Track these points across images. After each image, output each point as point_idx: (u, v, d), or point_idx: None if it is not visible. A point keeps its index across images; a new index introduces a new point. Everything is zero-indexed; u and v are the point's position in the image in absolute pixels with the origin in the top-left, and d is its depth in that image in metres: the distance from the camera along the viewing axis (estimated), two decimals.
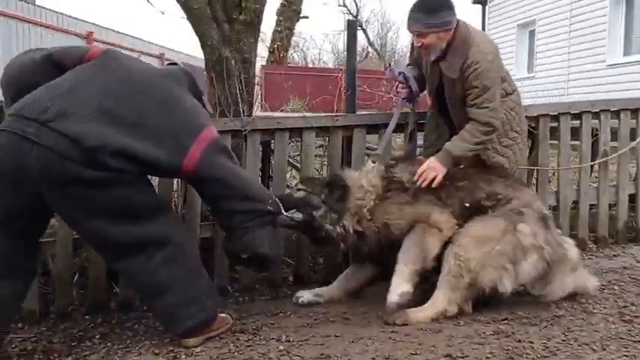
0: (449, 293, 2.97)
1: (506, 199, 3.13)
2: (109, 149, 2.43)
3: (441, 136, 3.57)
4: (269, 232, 2.82)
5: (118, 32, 14.82)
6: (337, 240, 3.14)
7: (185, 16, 3.79)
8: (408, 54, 3.90)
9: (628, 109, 4.43)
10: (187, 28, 3.84)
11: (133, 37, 15.39)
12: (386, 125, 3.79)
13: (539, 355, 2.55)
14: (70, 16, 13.19)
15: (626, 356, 2.55)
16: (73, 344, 2.87)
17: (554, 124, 4.22)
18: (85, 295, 3.33)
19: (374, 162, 3.35)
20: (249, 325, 2.98)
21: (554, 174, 4.52)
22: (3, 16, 10.94)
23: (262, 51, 17.91)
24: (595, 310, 3.10)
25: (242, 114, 3.63)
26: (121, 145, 2.46)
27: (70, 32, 12.81)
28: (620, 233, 4.45)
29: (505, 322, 2.94)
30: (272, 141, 3.74)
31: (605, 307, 3.14)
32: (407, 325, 2.88)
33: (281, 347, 2.68)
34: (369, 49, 30.07)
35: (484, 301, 3.09)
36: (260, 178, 3.79)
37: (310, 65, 27.02)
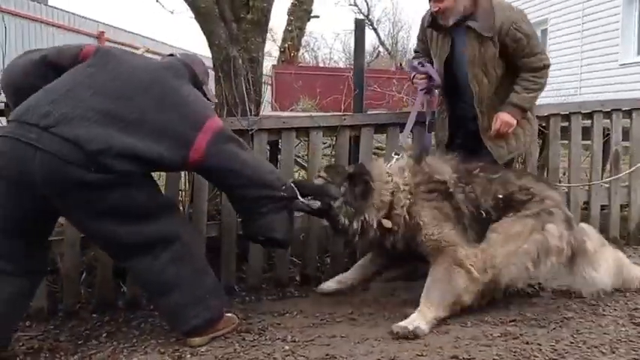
0: (470, 285, 2.91)
1: (540, 196, 3.07)
2: (113, 151, 2.43)
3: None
4: (282, 217, 2.84)
5: (129, 32, 14.88)
6: (353, 234, 3.03)
7: (193, 16, 3.79)
8: (414, 46, 3.89)
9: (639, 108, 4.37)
10: (197, 27, 3.85)
11: (144, 36, 15.44)
12: (394, 124, 3.79)
13: (547, 358, 2.51)
14: (82, 16, 13.27)
15: (635, 359, 2.51)
16: (79, 342, 2.88)
17: (565, 124, 4.18)
18: (93, 294, 3.34)
19: (397, 154, 3.26)
20: (255, 324, 2.98)
21: (564, 173, 4.48)
22: (17, 16, 11.02)
23: (273, 50, 17.97)
24: (605, 313, 3.06)
25: (249, 113, 3.63)
26: (124, 146, 2.45)
27: (82, 32, 12.89)
28: (632, 235, 4.39)
29: (513, 323, 2.91)
30: (280, 140, 3.73)
31: (615, 310, 3.10)
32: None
33: (286, 347, 2.67)
34: (380, 49, 30.01)
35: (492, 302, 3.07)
36: None
37: (321, 65, 27.03)
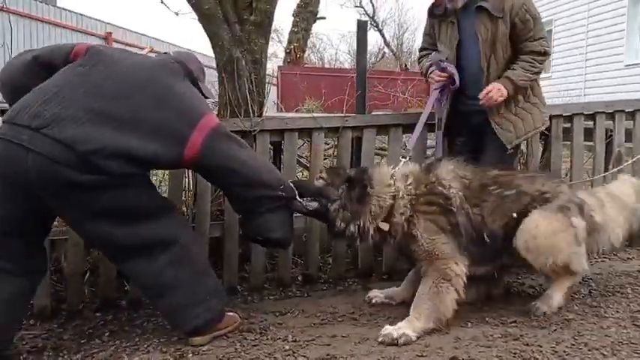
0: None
1: (554, 194, 3.06)
2: (107, 152, 2.42)
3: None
4: (281, 217, 2.84)
5: (136, 33, 14.94)
6: (350, 237, 3.01)
7: (196, 17, 3.81)
8: (421, 44, 3.89)
9: None
10: (201, 28, 3.87)
11: (150, 37, 15.50)
12: (396, 125, 3.80)
13: None
14: (90, 17, 13.34)
15: None
16: (82, 341, 2.91)
17: (568, 125, 4.17)
18: (96, 293, 3.37)
19: (404, 157, 3.24)
20: (256, 324, 2.99)
21: (566, 175, 4.47)
22: (25, 17, 11.09)
23: (279, 51, 17.99)
24: (606, 314, 3.05)
25: (252, 114, 3.64)
26: (118, 146, 2.44)
27: (90, 33, 12.96)
28: (635, 236, 4.36)
29: (514, 324, 2.91)
30: (282, 141, 3.75)
31: (617, 311, 3.09)
32: None
33: (287, 347, 2.68)
34: (385, 50, 30.00)
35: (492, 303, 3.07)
36: None
37: (327, 66, 27.04)
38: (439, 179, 2.99)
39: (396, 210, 2.94)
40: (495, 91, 3.33)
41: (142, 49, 11.23)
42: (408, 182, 3.00)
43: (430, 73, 3.58)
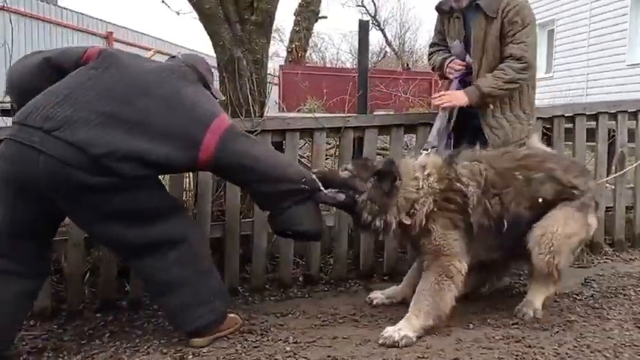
0: (547, 282, 3.02)
1: (581, 191, 3.02)
2: (119, 154, 2.43)
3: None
4: (306, 210, 2.81)
5: (137, 32, 14.94)
6: (375, 231, 2.96)
7: (197, 17, 3.80)
8: (430, 42, 3.90)
9: None
10: (202, 28, 3.86)
11: (151, 36, 15.50)
12: (397, 126, 3.79)
13: None
14: (91, 17, 13.35)
15: None
16: (82, 342, 2.90)
17: (570, 125, 4.15)
18: (96, 294, 3.36)
19: (426, 150, 3.21)
20: (257, 325, 2.98)
21: None
22: (26, 16, 11.10)
23: (281, 51, 17.97)
24: (609, 316, 3.04)
25: (253, 114, 3.63)
26: (130, 149, 2.45)
27: (91, 32, 12.98)
28: (638, 237, 4.35)
29: (515, 326, 2.90)
30: (284, 141, 3.74)
31: (619, 313, 3.08)
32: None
33: (288, 349, 2.67)
34: (387, 49, 29.97)
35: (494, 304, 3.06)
36: None
37: (328, 65, 27.03)
38: (458, 174, 2.95)
39: (417, 202, 2.90)
40: (445, 97, 3.36)
41: (149, 49, 11.24)
42: (429, 174, 2.96)
43: (450, 62, 3.58)
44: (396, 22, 32.98)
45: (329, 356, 2.58)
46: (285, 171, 2.76)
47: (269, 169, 2.71)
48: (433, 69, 3.84)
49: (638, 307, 3.16)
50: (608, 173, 4.40)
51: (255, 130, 3.47)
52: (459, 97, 3.34)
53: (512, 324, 2.92)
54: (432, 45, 3.86)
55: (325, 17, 15.68)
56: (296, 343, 2.74)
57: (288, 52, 15.28)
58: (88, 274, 3.41)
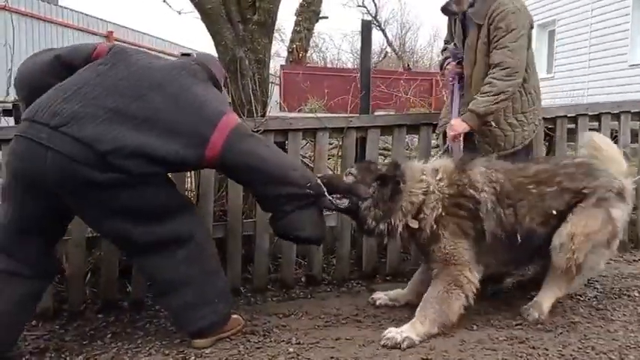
0: (563, 283, 3.01)
1: (592, 190, 3.00)
2: (126, 151, 2.42)
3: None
4: (309, 215, 2.79)
5: (137, 31, 14.93)
6: (379, 235, 2.95)
7: (199, 17, 3.79)
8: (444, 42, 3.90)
9: None
10: (204, 27, 3.84)
11: (152, 36, 15.50)
12: (400, 126, 3.78)
13: None
14: (92, 16, 13.34)
15: None
16: (84, 343, 2.89)
17: (572, 126, 4.14)
18: (98, 294, 3.34)
19: (436, 154, 3.20)
20: (260, 326, 2.97)
21: None
22: (26, 16, 11.09)
23: (282, 51, 17.96)
24: (613, 317, 3.03)
25: (255, 114, 3.62)
26: (137, 145, 2.44)
27: (91, 32, 12.97)
28: None
29: (519, 327, 2.89)
30: (286, 141, 3.72)
31: (624, 314, 3.07)
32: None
33: (291, 350, 2.66)
34: (388, 49, 29.94)
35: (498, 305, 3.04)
36: None
37: (329, 65, 27.01)
38: (472, 181, 2.92)
39: (426, 206, 2.88)
40: (450, 128, 3.31)
41: (149, 49, 11.22)
42: (439, 178, 2.94)
43: (447, 65, 3.60)
44: (396, 23, 33.07)
45: (332, 357, 2.57)
46: (290, 173, 2.74)
47: (274, 170, 2.70)
48: (440, 67, 3.84)
49: None
50: None
51: (258, 130, 3.45)
52: (455, 126, 3.27)
53: (516, 325, 2.92)
54: (444, 42, 3.88)
55: (326, 17, 15.67)
56: (299, 344, 2.73)
57: (288, 52, 15.25)
58: (89, 275, 3.40)
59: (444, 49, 3.78)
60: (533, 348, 2.62)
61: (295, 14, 14.30)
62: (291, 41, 14.91)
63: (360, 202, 2.88)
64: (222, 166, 2.68)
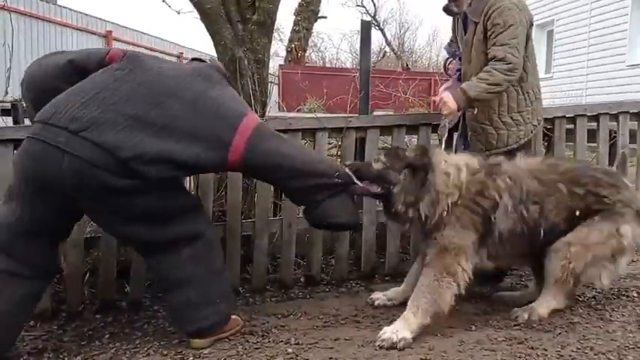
0: (559, 294, 3.00)
1: (612, 201, 3.00)
2: (146, 157, 2.42)
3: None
4: (341, 201, 2.83)
5: (136, 31, 14.92)
6: (405, 221, 2.96)
7: (199, 16, 3.79)
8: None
9: None
10: (203, 27, 3.84)
11: (151, 35, 15.48)
12: (399, 126, 3.78)
13: None
14: (91, 16, 13.33)
15: None
16: (82, 343, 2.88)
17: (571, 126, 4.14)
18: (96, 295, 3.34)
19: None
20: (258, 326, 2.97)
21: None
22: (25, 15, 11.08)
23: (281, 50, 17.96)
24: (612, 318, 3.02)
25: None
26: (158, 151, 2.44)
27: (90, 31, 12.96)
28: None
29: (518, 327, 2.89)
30: None
31: (623, 315, 3.06)
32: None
33: (290, 350, 2.65)
34: (387, 49, 29.95)
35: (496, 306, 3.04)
36: None
37: (328, 65, 27.01)
38: (496, 185, 2.92)
39: (446, 193, 2.88)
40: (440, 99, 3.29)
41: (148, 49, 11.19)
42: (462, 171, 2.94)
43: (449, 63, 3.66)
44: (395, 22, 32.99)
45: (331, 358, 2.57)
46: (317, 166, 2.78)
47: (299, 165, 2.72)
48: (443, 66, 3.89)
49: None
50: None
51: None
52: (445, 99, 3.24)
53: (515, 325, 2.91)
54: (450, 40, 3.87)
55: (325, 17, 15.69)
56: (298, 344, 2.72)
57: (287, 51, 15.26)
58: (87, 275, 3.39)
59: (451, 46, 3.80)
60: (532, 348, 2.62)
61: (294, 14, 14.30)
62: (290, 41, 14.92)
63: (391, 187, 2.90)
64: (247, 167, 2.70)
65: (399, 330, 2.70)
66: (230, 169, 2.90)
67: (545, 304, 3.00)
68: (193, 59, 3.02)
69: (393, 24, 33.09)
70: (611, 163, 4.28)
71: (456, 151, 3.42)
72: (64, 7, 12.67)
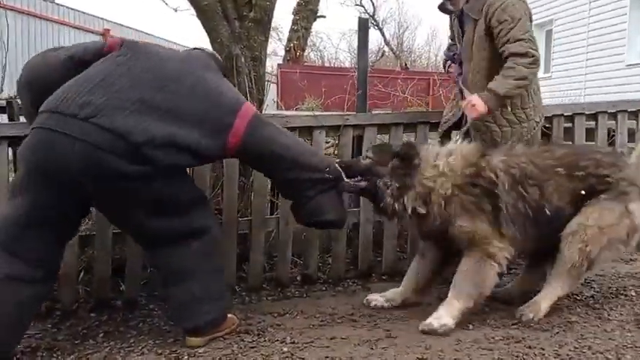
0: (568, 280, 2.97)
1: (615, 179, 2.98)
2: (156, 142, 2.42)
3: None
4: (329, 199, 2.84)
5: (134, 29, 14.90)
6: (392, 214, 2.95)
7: (195, 14, 3.77)
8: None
9: None
10: (200, 24, 3.82)
11: (148, 34, 15.46)
12: (397, 124, 3.76)
13: None
14: (88, 14, 13.32)
15: None
16: (76, 342, 2.86)
17: (569, 125, 4.12)
18: (91, 293, 3.31)
19: (459, 140, 3.17)
20: (254, 325, 2.95)
21: None
22: (23, 13, 11.05)
23: (279, 49, 17.92)
24: (610, 317, 3.01)
25: None
26: (163, 135, 2.44)
27: (88, 29, 12.95)
28: None
29: (515, 326, 2.87)
30: None
31: (621, 314, 3.05)
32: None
33: (285, 349, 2.63)
34: (385, 49, 29.93)
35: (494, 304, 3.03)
36: None
37: (327, 64, 26.99)
38: (490, 163, 2.92)
39: (434, 192, 2.88)
40: (469, 103, 3.22)
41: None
42: (452, 158, 2.94)
43: (448, 67, 3.67)
44: (394, 22, 32.96)
45: (327, 357, 2.55)
46: (311, 159, 2.79)
47: (296, 156, 2.73)
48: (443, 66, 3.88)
49: (639, 308, 3.13)
50: None
51: None
52: (475, 102, 3.18)
53: (512, 324, 2.90)
54: (450, 39, 3.87)
55: (324, 16, 15.62)
56: (293, 343, 2.71)
57: (286, 51, 15.23)
58: (82, 273, 3.36)
59: (450, 49, 3.77)
60: (530, 347, 2.61)
61: (293, 13, 14.26)
62: (289, 40, 14.88)
63: (377, 181, 2.91)
64: (246, 153, 2.70)
65: (442, 316, 2.76)
66: (229, 155, 2.86)
67: (549, 297, 2.98)
68: (195, 48, 3.02)
69: (391, 23, 33.14)
70: None
71: None
72: (62, 6, 12.66)
